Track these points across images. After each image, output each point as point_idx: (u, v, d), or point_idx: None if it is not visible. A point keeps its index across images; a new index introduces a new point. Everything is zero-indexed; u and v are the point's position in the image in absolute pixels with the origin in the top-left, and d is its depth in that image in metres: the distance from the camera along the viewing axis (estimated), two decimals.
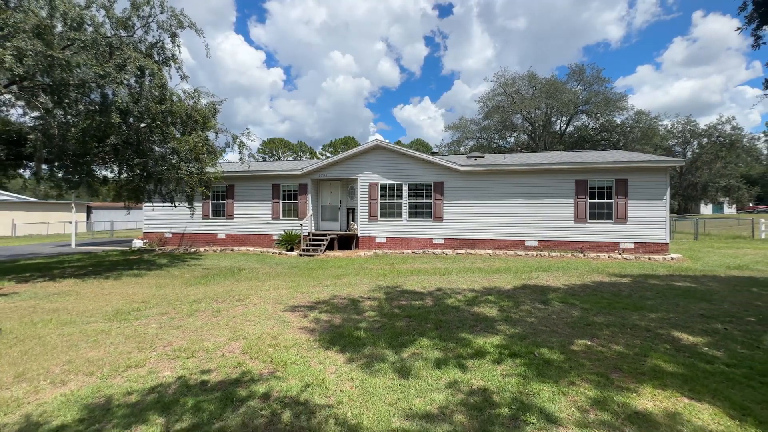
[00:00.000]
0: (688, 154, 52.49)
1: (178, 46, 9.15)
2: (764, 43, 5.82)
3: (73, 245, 19.51)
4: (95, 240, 24.48)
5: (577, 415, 2.93)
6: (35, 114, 9.94)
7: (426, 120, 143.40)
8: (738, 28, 6.15)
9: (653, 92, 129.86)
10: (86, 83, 8.32)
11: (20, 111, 10.35)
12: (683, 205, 53.62)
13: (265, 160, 65.73)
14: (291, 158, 76.66)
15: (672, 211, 53.14)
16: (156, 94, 9.52)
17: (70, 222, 34.76)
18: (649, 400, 3.15)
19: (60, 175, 9.13)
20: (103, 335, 4.98)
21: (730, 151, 44.33)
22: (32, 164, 10.76)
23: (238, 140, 12.82)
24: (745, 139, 46.11)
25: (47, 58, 7.40)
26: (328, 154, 76.97)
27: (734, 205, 55.52)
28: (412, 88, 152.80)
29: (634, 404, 3.07)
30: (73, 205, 19.65)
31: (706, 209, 63.59)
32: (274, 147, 77.33)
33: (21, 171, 11.84)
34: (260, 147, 75.03)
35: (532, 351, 4.19)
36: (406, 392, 3.30)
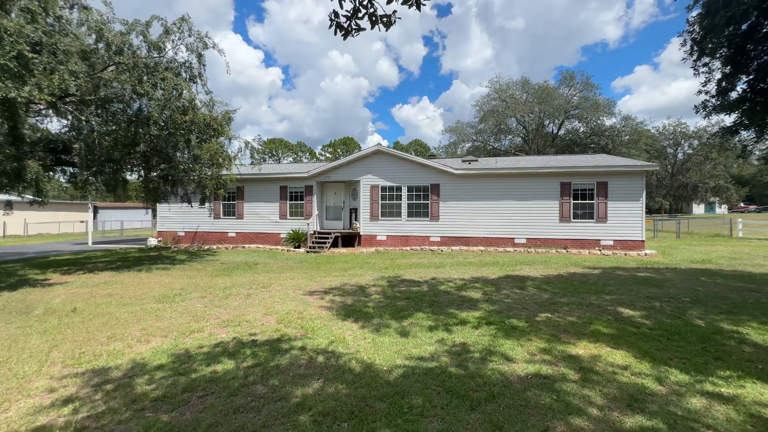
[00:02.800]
0: (680, 155, 53.94)
1: (203, 65, 10.32)
2: (703, 72, 6.99)
3: (89, 243, 20.62)
4: (107, 239, 25.56)
5: (526, 356, 4.12)
6: (65, 122, 11.10)
7: (425, 120, 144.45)
8: (683, 58, 7.34)
9: (651, 92, 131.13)
10: (124, 99, 9.48)
11: (48, 120, 11.56)
12: (674, 205, 55.02)
13: (264, 161, 66.72)
14: (290, 158, 77.78)
15: (665, 211, 54.49)
16: (179, 105, 10.68)
17: (82, 221, 35.85)
18: (582, 349, 4.35)
19: (100, 178, 10.27)
20: (160, 312, 6.15)
21: (720, 152, 45.69)
22: (63, 168, 11.92)
23: (249, 146, 14.03)
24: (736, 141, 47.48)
25: (94, 78, 8.56)
26: (328, 154, 78.19)
27: (724, 205, 56.85)
28: (410, 87, 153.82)
29: (570, 351, 4.27)
30: (90, 205, 20.75)
31: (698, 209, 64.98)
32: (274, 147, 78.32)
33: (51, 175, 13.00)
34: (260, 147, 76.18)
35: (503, 321, 5.38)
36: (405, 345, 4.49)
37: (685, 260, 11.67)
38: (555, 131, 41.71)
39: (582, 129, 39.45)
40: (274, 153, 78.41)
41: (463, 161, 18.10)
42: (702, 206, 64.38)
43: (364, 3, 1.91)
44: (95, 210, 42.65)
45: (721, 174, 48.16)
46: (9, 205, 10.09)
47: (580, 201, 14.59)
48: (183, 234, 18.97)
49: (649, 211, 56.25)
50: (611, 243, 14.21)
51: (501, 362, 3.98)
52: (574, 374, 3.68)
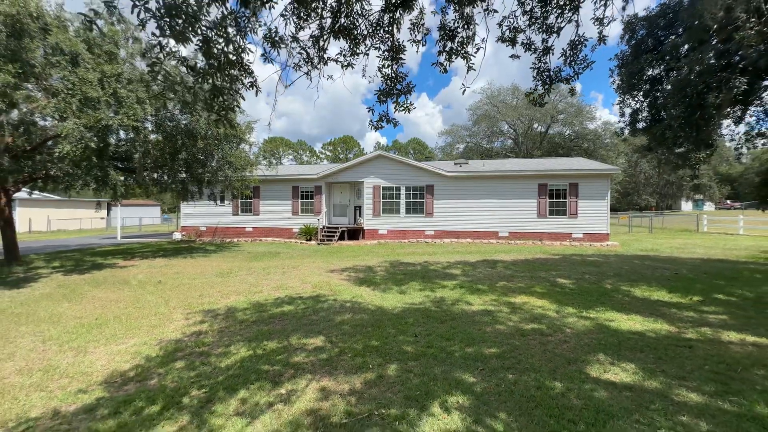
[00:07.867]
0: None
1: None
2: (628, 106, 9.21)
3: (118, 237, 22.81)
4: (129, 234, 27.71)
5: (481, 303, 6.40)
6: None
7: (423, 116, 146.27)
8: (616, 92, 9.56)
9: None
10: (175, 118, 11.68)
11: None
12: (661, 203, 57.39)
13: (269, 161, 68.59)
14: (291, 157, 79.96)
15: (653, 208, 56.85)
16: (212, 118, 12.89)
17: (102, 218, 38.00)
18: (518, 299, 6.62)
19: (156, 180, 12.53)
20: (224, 282, 8.40)
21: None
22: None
23: (270, 152, 16.24)
24: (727, 140, 49.83)
25: (155, 104, 10.75)
26: (328, 152, 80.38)
27: (708, 202, 59.22)
28: None
29: (510, 300, 6.55)
30: (119, 204, 22.83)
31: (687, 206, 67.40)
32: (275, 146, 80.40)
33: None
34: (261, 146, 78.35)
35: (472, 286, 7.66)
36: (403, 298, 6.77)
37: (636, 249, 13.96)
38: (543, 133, 44.14)
39: (568, 132, 41.93)
40: (275, 152, 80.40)
41: (455, 164, 20.35)
42: (690, 204, 66.88)
43: (385, 114, 4.12)
44: (109, 207, 44.82)
45: (704, 173, 50.48)
46: (99, 205, 12.29)
47: (555, 200, 16.86)
48: (204, 229, 21.20)
49: (640, 208, 58.66)
50: (581, 236, 16.50)
51: (464, 305, 6.26)
52: (507, 309, 5.96)
